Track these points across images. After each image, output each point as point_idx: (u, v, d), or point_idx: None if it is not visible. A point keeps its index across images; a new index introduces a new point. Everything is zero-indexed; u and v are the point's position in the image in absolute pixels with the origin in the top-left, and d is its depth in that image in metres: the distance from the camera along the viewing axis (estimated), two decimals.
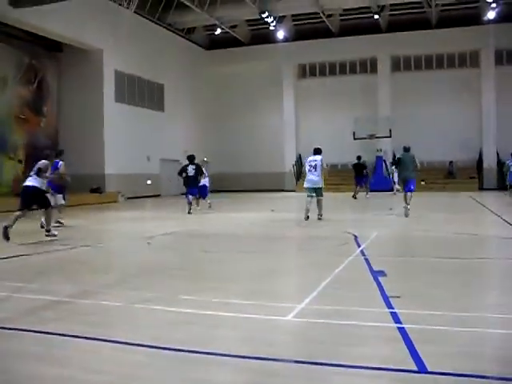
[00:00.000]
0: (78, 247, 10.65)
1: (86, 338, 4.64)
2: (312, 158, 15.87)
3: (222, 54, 40.32)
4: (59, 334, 4.73)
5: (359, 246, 9.96)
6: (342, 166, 36.93)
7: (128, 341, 4.53)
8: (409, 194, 16.31)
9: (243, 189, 38.42)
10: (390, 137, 35.67)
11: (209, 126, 40.38)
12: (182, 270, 8.12)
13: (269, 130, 40.02)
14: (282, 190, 37.95)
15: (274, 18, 34.38)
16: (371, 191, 30.59)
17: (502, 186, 33.00)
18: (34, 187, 11.36)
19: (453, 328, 4.79)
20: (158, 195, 33.26)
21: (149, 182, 32.23)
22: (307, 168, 15.89)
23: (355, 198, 26.23)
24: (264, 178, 38.73)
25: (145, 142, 32.04)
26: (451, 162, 36.26)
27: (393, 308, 5.42)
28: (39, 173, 11.43)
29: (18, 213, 11.21)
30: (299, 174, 38.81)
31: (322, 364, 3.96)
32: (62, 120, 29.62)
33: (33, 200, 11.50)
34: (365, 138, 35.85)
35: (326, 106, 39.05)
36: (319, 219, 15.45)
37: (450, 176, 35.89)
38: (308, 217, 15.47)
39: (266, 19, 33.79)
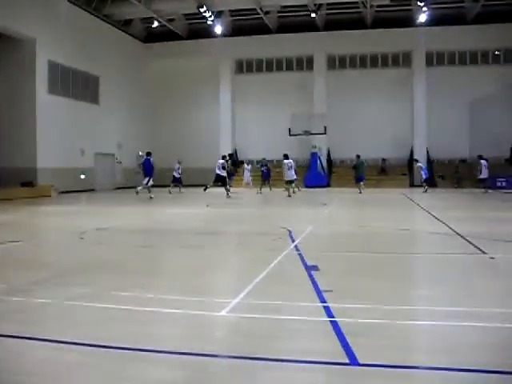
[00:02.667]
0: (6, 243, 10.32)
1: (16, 337, 4.51)
2: (288, 161, 25.76)
3: (160, 48, 39.90)
4: None
5: (293, 241, 10.07)
6: (277, 161, 37.18)
7: (62, 339, 4.42)
8: (362, 183, 27.98)
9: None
10: (325, 133, 36.22)
11: (145, 120, 39.90)
12: (117, 266, 7.99)
13: (205, 124, 39.90)
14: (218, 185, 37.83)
15: (212, 13, 34.28)
16: (306, 187, 31.43)
17: (431, 183, 34.25)
18: None
19: (384, 321, 4.91)
20: (92, 190, 32.62)
21: (82, 176, 31.54)
22: (287, 168, 25.42)
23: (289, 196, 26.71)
24: (200, 173, 38.52)
25: (79, 135, 31.34)
26: (384, 159, 37.16)
27: (325, 302, 5.51)
28: None
29: None
30: (235, 170, 38.93)
31: (256, 359, 3.98)
32: None
33: None
34: (300, 135, 36.26)
35: (262, 101, 39.26)
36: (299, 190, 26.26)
37: (383, 173, 36.78)
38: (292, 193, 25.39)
39: (203, 14, 33.64)
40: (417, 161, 32.76)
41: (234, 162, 30.07)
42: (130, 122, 38.17)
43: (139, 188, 25.01)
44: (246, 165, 33.02)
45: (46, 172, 28.08)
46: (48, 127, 28.42)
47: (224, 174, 25.11)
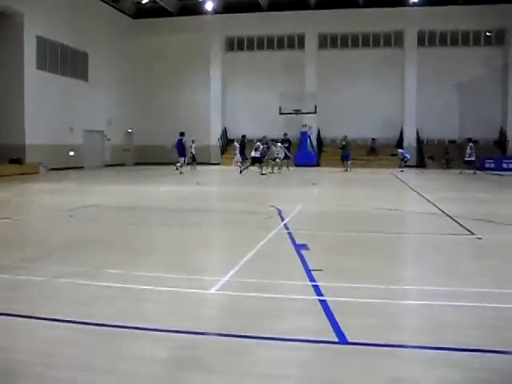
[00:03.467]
0: None
1: (4, 314, 4.51)
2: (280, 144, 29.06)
3: (150, 24, 39.44)
4: None
5: (283, 220, 10.11)
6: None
7: (51, 317, 4.43)
8: (348, 162, 29.67)
9: (168, 162, 38.09)
10: (315, 113, 36.16)
11: (134, 97, 39.58)
12: (107, 243, 7.99)
13: (195, 102, 39.63)
14: (208, 163, 37.84)
15: None
16: (296, 166, 31.56)
17: (420, 163, 34.52)
18: None
19: (373, 300, 4.96)
20: (81, 167, 32.44)
21: (71, 153, 31.32)
22: (277, 148, 28.60)
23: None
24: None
25: (68, 111, 31.01)
26: (374, 139, 37.18)
27: (315, 281, 5.55)
28: None
29: None
30: (225, 147, 38.82)
31: (245, 337, 4.02)
32: None
33: None
34: (290, 113, 36.17)
35: (253, 80, 39.03)
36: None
37: (372, 153, 36.82)
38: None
39: None
40: (396, 148, 33.71)
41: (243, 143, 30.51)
42: (119, 99, 37.85)
43: (178, 164, 27.19)
44: (236, 143, 32.86)
45: (35, 149, 27.84)
46: (36, 103, 28.12)
47: (258, 155, 26.28)
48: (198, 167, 31.26)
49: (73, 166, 31.12)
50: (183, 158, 27.62)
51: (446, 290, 5.35)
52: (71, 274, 5.82)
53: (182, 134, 27.84)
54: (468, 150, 27.80)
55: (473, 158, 27.76)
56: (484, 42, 36.76)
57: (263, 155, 26.96)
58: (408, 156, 31.52)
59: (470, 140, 28.58)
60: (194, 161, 31.52)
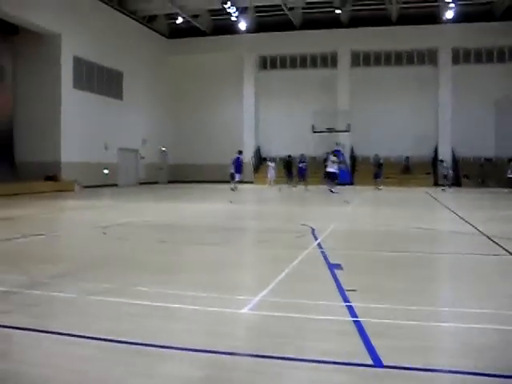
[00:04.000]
0: (29, 236, 10.37)
1: (33, 330, 4.47)
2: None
3: (184, 44, 39.96)
4: (5, 327, 4.55)
5: (316, 239, 9.97)
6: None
7: (79, 333, 4.39)
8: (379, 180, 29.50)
9: (202, 179, 38.26)
10: (349, 131, 36.01)
11: (168, 116, 40.03)
12: (137, 261, 7.97)
13: (229, 120, 39.90)
14: (241, 182, 37.88)
15: (237, 9, 34.18)
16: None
17: (456, 182, 33.92)
18: None
19: (408, 322, 4.81)
20: (115, 185, 32.80)
21: (106, 171, 31.74)
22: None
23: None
24: (223, 169, 38.58)
25: (102, 130, 31.54)
26: (407, 158, 36.80)
27: (349, 301, 5.41)
28: None
29: None
30: (258, 166, 38.84)
31: (276, 358, 3.91)
32: (17, 105, 28.88)
33: None
34: (323, 132, 36.08)
35: (285, 98, 39.13)
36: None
37: (406, 171, 36.44)
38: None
39: (228, 9, 33.56)
40: (442, 161, 32.68)
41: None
42: (153, 118, 38.32)
43: (233, 185, 28.57)
44: (269, 162, 32.84)
45: (70, 166, 28.30)
46: (72, 122, 28.64)
47: (335, 169, 26.14)
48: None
49: (107, 184, 31.48)
50: (239, 175, 29.03)
51: (485, 313, 5.16)
52: (101, 291, 5.79)
53: (240, 152, 29.53)
54: (511, 167, 27.45)
55: None
56: None
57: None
58: (451, 172, 30.55)
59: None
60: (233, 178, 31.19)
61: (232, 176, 30.02)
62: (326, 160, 26.80)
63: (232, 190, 27.67)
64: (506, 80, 35.21)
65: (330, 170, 25.90)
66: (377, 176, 30.02)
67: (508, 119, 35.06)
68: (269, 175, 31.86)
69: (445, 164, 30.82)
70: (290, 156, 31.89)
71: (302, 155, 30.90)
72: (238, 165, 28.98)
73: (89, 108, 30.45)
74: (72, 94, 29.17)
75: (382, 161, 30.61)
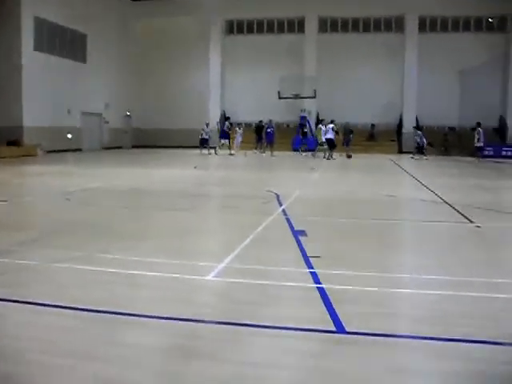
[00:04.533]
0: None
1: (1, 299, 4.44)
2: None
3: (149, 7, 39.04)
4: None
5: (281, 205, 10.05)
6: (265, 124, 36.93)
7: (45, 302, 4.38)
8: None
9: (166, 145, 37.94)
10: (315, 97, 35.94)
11: (133, 80, 39.31)
12: (103, 228, 7.93)
13: (194, 86, 39.38)
14: (207, 148, 37.65)
15: None
16: (295, 150, 31.64)
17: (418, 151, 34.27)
18: None
19: (372, 288, 4.91)
20: (79, 150, 32.29)
21: (69, 135, 31.18)
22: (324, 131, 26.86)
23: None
24: (187, 135, 38.19)
25: (65, 93, 30.79)
26: (373, 125, 37.02)
27: (313, 268, 5.50)
28: None
29: None
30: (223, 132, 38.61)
31: (241, 325, 3.97)
32: None
33: None
34: (289, 98, 35.94)
35: (252, 64, 38.74)
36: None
37: (372, 138, 36.68)
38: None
39: None
40: (417, 128, 32.17)
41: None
42: (117, 82, 37.59)
43: (208, 150, 29.64)
44: (237, 128, 32.67)
45: (33, 131, 27.69)
46: (34, 85, 27.92)
47: (333, 137, 26.66)
48: (204, 151, 30.50)
49: (71, 149, 30.98)
50: (226, 140, 30.15)
51: (445, 279, 5.30)
52: (66, 259, 5.76)
53: (227, 118, 30.93)
54: (477, 136, 27.49)
55: (481, 144, 27.57)
56: (486, 28, 36.48)
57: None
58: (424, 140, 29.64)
59: (479, 125, 27.98)
60: (207, 144, 30.54)
61: (202, 142, 30.17)
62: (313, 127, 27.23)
63: (211, 154, 28.79)
64: (471, 49, 35.43)
65: (329, 136, 26.42)
66: (347, 143, 29.89)
67: (472, 89, 35.40)
68: (236, 141, 31.67)
69: (420, 132, 30.32)
70: (261, 121, 31.61)
71: (270, 121, 30.85)
72: (222, 130, 30.46)
73: (51, 71, 29.63)
74: (33, 56, 28.33)
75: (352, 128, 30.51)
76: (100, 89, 34.94)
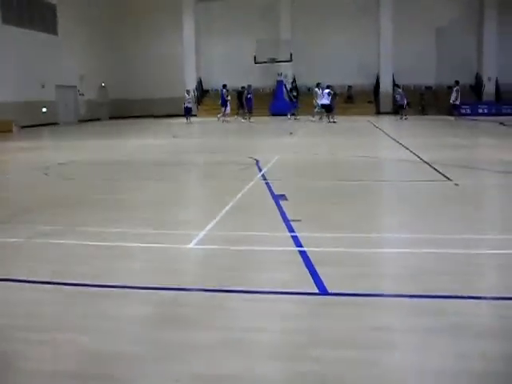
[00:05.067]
0: None
1: None
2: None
3: None
4: None
5: (260, 171, 10.04)
6: (242, 89, 36.58)
7: (26, 278, 4.36)
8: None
9: (144, 114, 37.60)
10: (291, 61, 35.64)
11: (106, 51, 38.65)
12: (82, 201, 7.86)
13: (169, 53, 38.84)
14: (183, 115, 37.39)
15: None
16: (272, 115, 31.42)
17: (396, 110, 34.28)
18: None
19: (352, 249, 4.95)
20: (56, 123, 31.85)
21: (44, 109, 30.71)
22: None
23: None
24: (164, 104, 37.87)
25: (38, 67, 30.19)
26: (350, 87, 36.92)
27: (294, 231, 5.52)
28: None
29: None
30: (200, 99, 38.31)
31: (225, 291, 4.00)
32: None
33: None
34: (266, 62, 35.60)
35: (226, 28, 38.22)
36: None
37: (349, 100, 36.62)
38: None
39: None
40: (398, 86, 31.83)
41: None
42: (90, 53, 36.92)
43: (219, 115, 29.35)
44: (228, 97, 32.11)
45: (6, 106, 27.19)
46: (4, 59, 27.31)
47: (329, 102, 26.55)
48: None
49: (46, 123, 30.55)
50: (225, 108, 29.64)
51: (425, 238, 5.36)
52: (46, 234, 5.72)
53: (223, 86, 30.32)
54: (454, 94, 27.43)
55: (458, 102, 27.55)
56: None
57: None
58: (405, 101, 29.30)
59: (457, 83, 27.91)
60: (189, 113, 30.33)
61: (186, 110, 29.83)
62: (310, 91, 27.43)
63: (222, 121, 28.60)
64: (447, 8, 35.18)
65: (324, 102, 26.51)
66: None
67: (448, 47, 35.31)
68: (227, 108, 30.59)
69: (400, 90, 29.92)
70: (243, 87, 31.05)
71: (250, 86, 30.58)
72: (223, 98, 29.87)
73: (21, 45, 28.97)
74: (2, 30, 27.69)
75: (334, 91, 29.32)
76: (73, 61, 34.29)
